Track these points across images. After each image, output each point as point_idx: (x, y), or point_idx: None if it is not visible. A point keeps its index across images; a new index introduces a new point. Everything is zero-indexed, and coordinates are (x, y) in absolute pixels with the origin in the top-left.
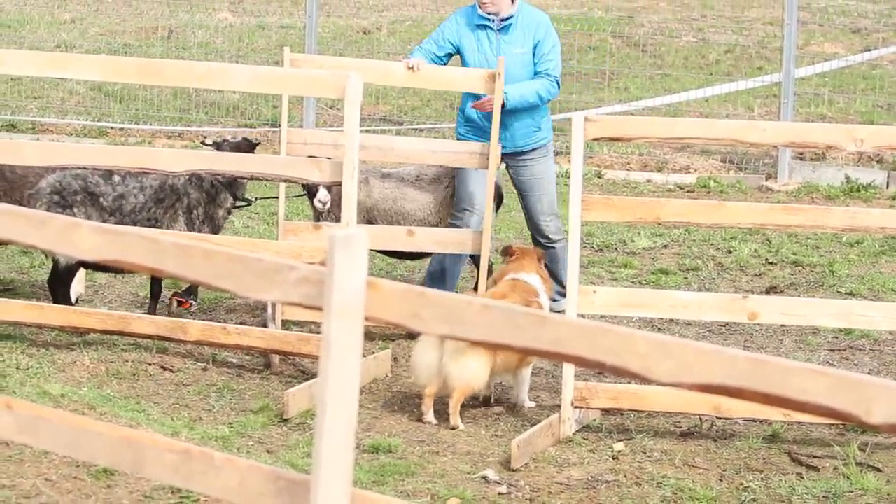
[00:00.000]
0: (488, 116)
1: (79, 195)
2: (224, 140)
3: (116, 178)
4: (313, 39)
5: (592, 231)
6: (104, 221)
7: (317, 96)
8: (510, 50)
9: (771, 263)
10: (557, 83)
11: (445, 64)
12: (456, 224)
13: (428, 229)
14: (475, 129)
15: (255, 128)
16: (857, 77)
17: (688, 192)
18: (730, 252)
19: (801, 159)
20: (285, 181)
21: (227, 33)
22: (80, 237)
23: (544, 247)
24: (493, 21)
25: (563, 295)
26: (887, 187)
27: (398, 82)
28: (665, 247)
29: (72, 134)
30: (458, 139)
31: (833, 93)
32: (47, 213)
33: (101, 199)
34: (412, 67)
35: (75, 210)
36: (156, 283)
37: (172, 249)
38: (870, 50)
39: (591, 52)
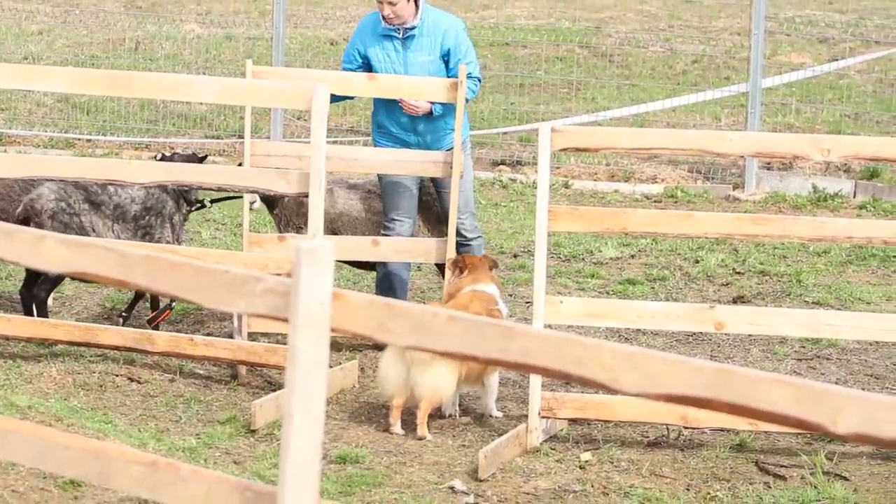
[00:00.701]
0: (401, 123)
1: (84, 203)
2: (174, 153)
3: (111, 187)
4: (280, 51)
5: (560, 241)
6: (110, 230)
7: (284, 107)
8: (416, 58)
9: (738, 273)
10: (479, 81)
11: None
12: (387, 234)
13: (393, 239)
14: (388, 135)
15: (222, 139)
16: (824, 87)
17: (655, 202)
18: (697, 262)
19: (769, 169)
20: (252, 192)
21: (195, 45)
22: (48, 249)
23: (460, 244)
24: (398, 31)
25: None
26: (854, 196)
27: (360, 93)
28: (632, 257)
29: (39, 145)
30: (375, 145)
31: (800, 103)
32: (13, 225)
33: (104, 208)
34: None
35: (82, 219)
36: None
37: (139, 261)
38: (837, 60)
39: (558, 62)
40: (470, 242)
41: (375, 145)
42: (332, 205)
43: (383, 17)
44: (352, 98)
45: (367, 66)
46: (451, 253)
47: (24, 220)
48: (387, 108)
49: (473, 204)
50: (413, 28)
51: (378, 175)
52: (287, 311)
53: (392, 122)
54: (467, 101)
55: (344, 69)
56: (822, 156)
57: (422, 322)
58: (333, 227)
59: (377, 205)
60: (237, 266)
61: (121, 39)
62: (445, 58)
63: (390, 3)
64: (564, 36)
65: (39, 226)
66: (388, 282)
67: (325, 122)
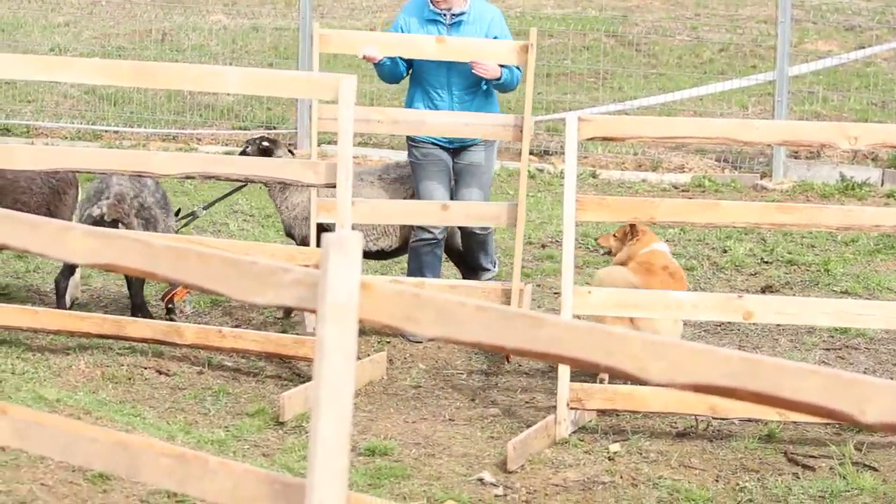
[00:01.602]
0: (439, 108)
1: (149, 198)
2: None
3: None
4: (307, 42)
5: (587, 231)
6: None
7: (311, 97)
8: None
9: (766, 263)
10: (521, 73)
11: (409, 63)
12: (422, 233)
13: (463, 203)
14: None
15: (249, 129)
16: (851, 75)
17: (682, 191)
18: (725, 251)
19: (796, 158)
20: (280, 182)
21: (221, 36)
22: (74, 240)
23: (475, 231)
24: (445, 16)
25: (495, 265)
26: (882, 185)
27: (430, 55)
28: None
29: (66, 137)
30: (409, 139)
31: (827, 91)
32: (38, 217)
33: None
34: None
35: (153, 212)
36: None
37: (166, 253)
38: (864, 48)
39: (585, 51)
40: (480, 233)
41: (409, 140)
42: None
43: (433, 1)
44: (401, 78)
45: None
46: (522, 220)
47: (111, 223)
48: (423, 94)
49: (490, 193)
50: (461, 14)
51: (412, 165)
52: (314, 302)
53: (430, 106)
54: (510, 89)
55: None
56: (849, 144)
57: (449, 312)
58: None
59: (372, 192)
60: (264, 257)
61: (147, 31)
62: None
63: None
64: (591, 25)
65: (128, 226)
66: (417, 268)
67: (351, 111)
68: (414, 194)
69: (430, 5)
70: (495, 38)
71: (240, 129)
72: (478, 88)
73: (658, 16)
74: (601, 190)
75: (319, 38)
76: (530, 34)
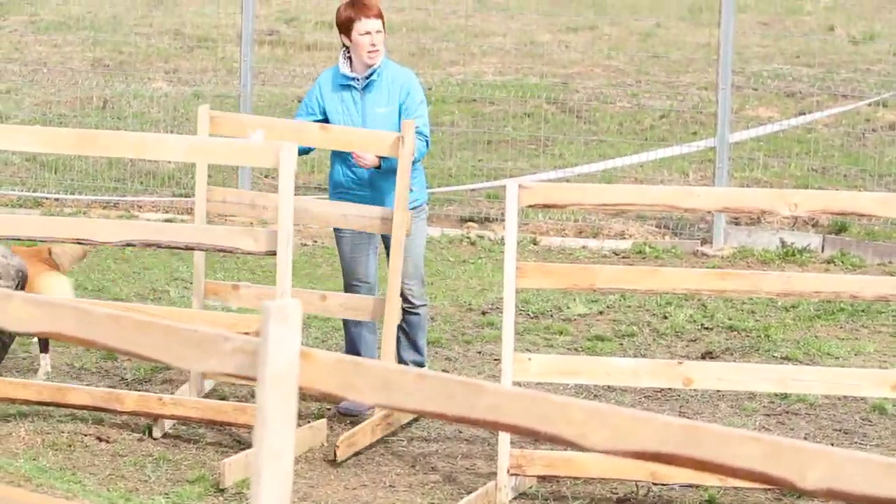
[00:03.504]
0: (357, 181)
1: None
2: None
3: None
4: (248, 108)
5: (528, 298)
6: None
7: (251, 165)
8: (374, 109)
9: (706, 329)
10: (428, 142)
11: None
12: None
13: (338, 294)
14: (343, 193)
15: (190, 197)
16: (791, 141)
17: (623, 258)
18: (665, 318)
19: (737, 224)
20: (220, 251)
21: (163, 103)
22: (13, 308)
23: (405, 311)
24: (357, 80)
25: (420, 364)
26: (822, 251)
27: (313, 143)
28: (601, 313)
29: (7, 205)
30: None
31: (768, 157)
32: None
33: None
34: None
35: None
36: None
37: (105, 321)
38: (804, 114)
39: (526, 118)
40: (416, 310)
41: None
42: None
43: (368, 54)
44: (310, 151)
45: (325, 119)
46: (396, 317)
47: None
48: (342, 162)
49: (423, 270)
50: (372, 74)
51: (335, 237)
52: (255, 370)
53: (347, 177)
54: (416, 161)
55: (297, 118)
56: (789, 210)
57: (389, 380)
58: None
59: None
60: (205, 325)
61: (88, 98)
62: (400, 109)
63: (378, 32)
64: (532, 91)
65: None
66: (353, 346)
67: (292, 179)
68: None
69: (366, 59)
70: (403, 100)
71: (181, 196)
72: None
73: (599, 82)
74: (542, 256)
75: (210, 120)
76: (403, 126)
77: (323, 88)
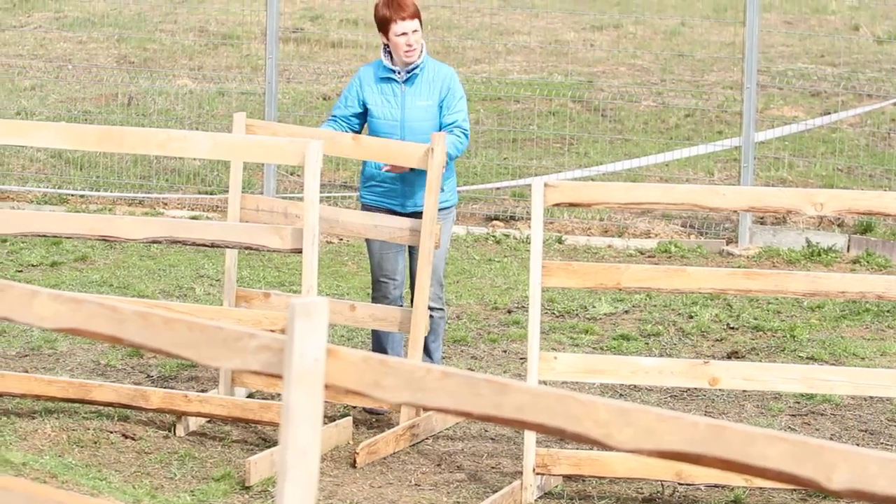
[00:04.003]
0: (395, 177)
1: None
2: None
3: None
4: (273, 106)
5: (553, 297)
6: None
7: (277, 163)
8: (414, 102)
9: (732, 328)
10: (467, 136)
11: (359, 125)
12: (376, 297)
13: (367, 305)
14: (375, 189)
15: (215, 195)
16: (816, 141)
17: (649, 257)
18: (691, 317)
19: (762, 224)
20: (246, 248)
21: (188, 100)
22: (40, 305)
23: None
24: (399, 73)
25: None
26: (848, 251)
27: (346, 153)
28: (626, 312)
29: (32, 201)
30: (361, 202)
31: (793, 157)
32: (5, 281)
33: None
34: None
35: None
36: None
37: (132, 318)
38: (829, 113)
39: (551, 116)
40: (430, 314)
41: (361, 200)
42: None
43: (405, 53)
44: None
45: (364, 111)
46: (423, 326)
47: None
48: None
49: (442, 274)
50: (415, 69)
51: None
52: (281, 367)
53: (382, 175)
54: (453, 157)
55: (334, 112)
56: (815, 210)
57: (416, 378)
58: None
59: None
60: (231, 322)
61: (113, 94)
62: (441, 104)
63: (415, 31)
64: (557, 90)
65: None
66: (378, 343)
67: (318, 178)
68: None
69: (404, 57)
70: (445, 95)
71: (206, 193)
72: None
73: (624, 81)
74: (567, 255)
75: (245, 127)
76: (433, 138)
77: (364, 81)
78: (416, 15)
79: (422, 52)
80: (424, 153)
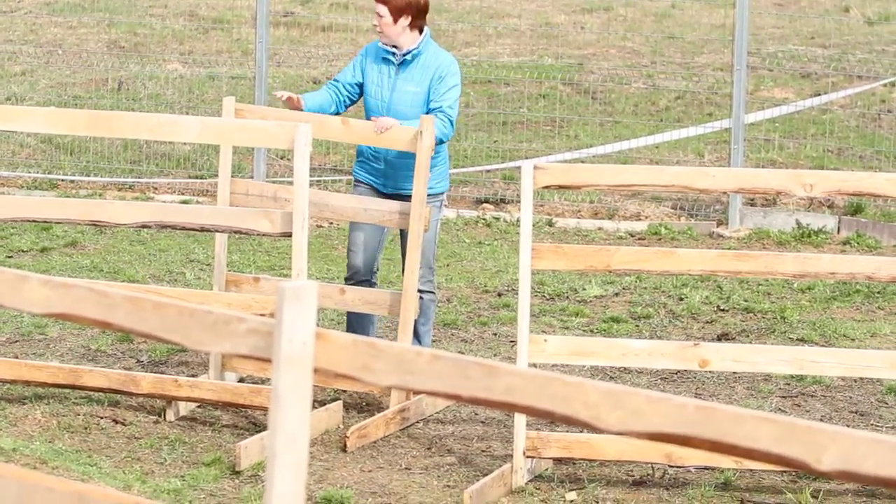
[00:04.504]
0: (376, 153)
1: None
2: None
3: None
4: (263, 90)
5: (543, 279)
6: None
7: (266, 147)
8: (404, 87)
9: (722, 310)
10: (452, 123)
11: (357, 94)
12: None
13: (357, 288)
14: (364, 164)
15: (205, 179)
16: (806, 122)
17: (638, 239)
18: (681, 299)
19: (752, 205)
20: (235, 232)
21: (178, 84)
22: (30, 291)
23: None
24: (395, 55)
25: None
26: (838, 232)
27: (334, 137)
28: (616, 294)
29: (22, 187)
30: (354, 177)
31: (783, 138)
32: None
33: None
34: (281, 98)
35: None
36: None
37: (122, 302)
38: (819, 95)
39: (541, 99)
40: (421, 297)
41: (354, 175)
42: None
43: (376, 31)
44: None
45: (361, 86)
46: (412, 309)
47: None
48: None
49: (433, 257)
50: (408, 54)
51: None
52: (270, 351)
53: (370, 151)
54: (441, 142)
55: (337, 76)
56: (805, 191)
57: (405, 362)
58: None
59: None
60: (221, 307)
61: (103, 79)
62: (429, 90)
63: (378, 15)
64: (547, 73)
65: None
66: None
67: (307, 161)
68: None
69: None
70: (435, 81)
71: (196, 178)
72: None
73: (614, 63)
74: (557, 238)
75: (234, 112)
76: (423, 121)
77: (368, 56)
78: (385, 2)
79: (417, 39)
80: (413, 136)
